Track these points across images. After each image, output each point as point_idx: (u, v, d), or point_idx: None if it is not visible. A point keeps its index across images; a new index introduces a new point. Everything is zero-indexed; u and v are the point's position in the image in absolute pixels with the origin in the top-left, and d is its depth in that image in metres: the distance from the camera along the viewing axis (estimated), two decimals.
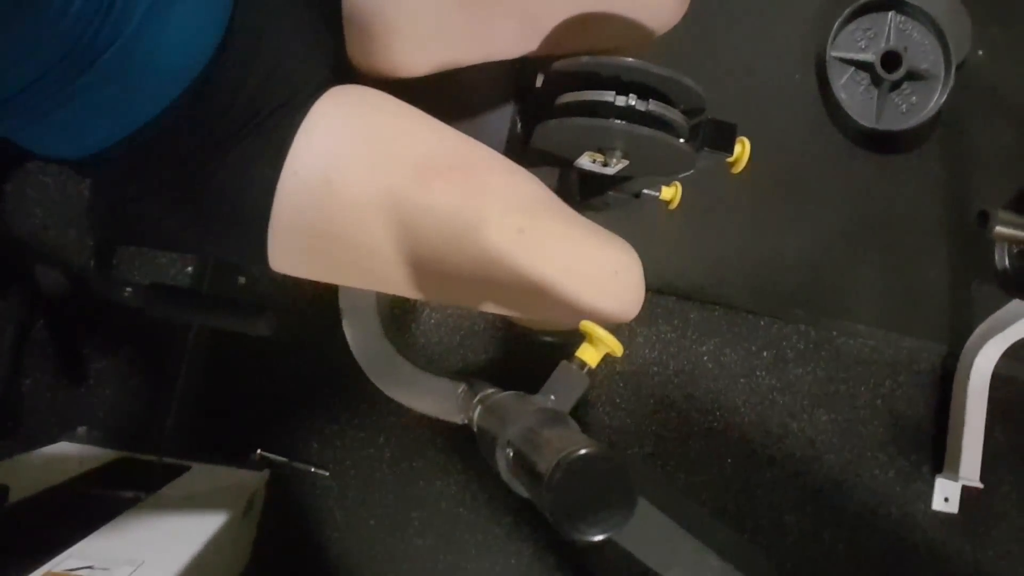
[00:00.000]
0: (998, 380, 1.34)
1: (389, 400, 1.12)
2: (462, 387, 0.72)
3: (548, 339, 1.18)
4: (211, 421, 1.27)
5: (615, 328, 0.57)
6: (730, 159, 0.72)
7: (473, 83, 0.75)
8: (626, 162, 0.71)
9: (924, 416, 1.37)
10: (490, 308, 0.65)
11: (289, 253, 0.61)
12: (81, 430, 1.22)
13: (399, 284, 0.62)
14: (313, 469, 1.27)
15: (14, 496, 0.87)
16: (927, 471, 1.36)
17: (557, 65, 0.66)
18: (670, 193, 0.86)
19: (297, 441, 1.28)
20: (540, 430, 0.44)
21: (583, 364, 0.55)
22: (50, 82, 0.49)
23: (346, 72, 0.70)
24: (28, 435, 1.21)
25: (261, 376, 1.28)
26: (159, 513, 0.90)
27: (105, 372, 1.26)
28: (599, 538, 0.38)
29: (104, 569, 0.66)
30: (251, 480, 1.19)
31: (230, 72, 0.57)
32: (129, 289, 0.82)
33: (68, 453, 1.14)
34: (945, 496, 1.35)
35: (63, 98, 0.51)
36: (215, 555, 0.87)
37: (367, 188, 0.57)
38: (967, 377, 1.33)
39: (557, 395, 0.54)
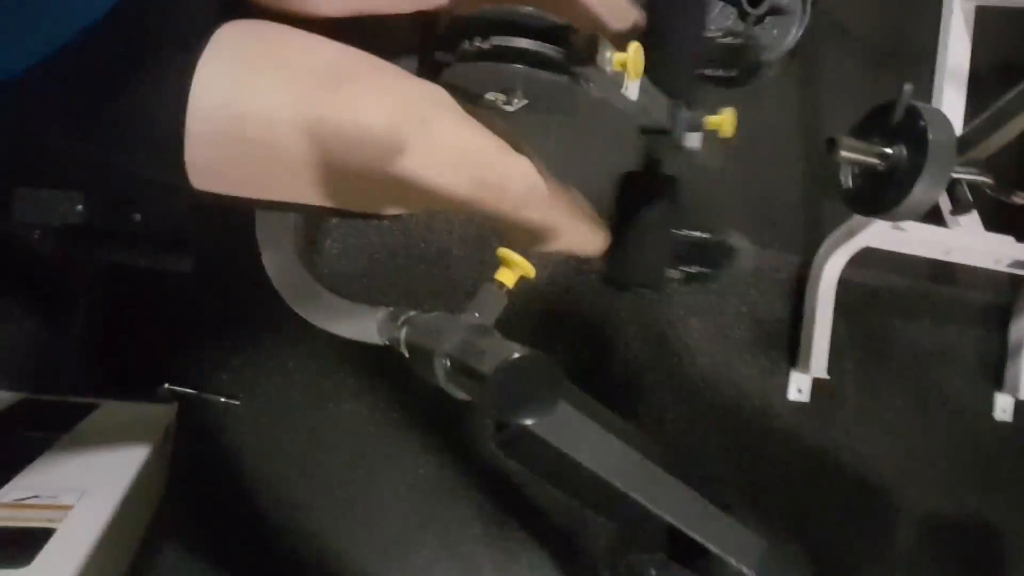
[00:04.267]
0: (843, 285, 1.53)
1: (295, 328, 1.14)
2: (381, 311, 0.78)
3: None
4: (115, 357, 1.26)
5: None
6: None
7: (378, 25, 0.77)
8: (525, 101, 0.77)
9: (782, 319, 1.56)
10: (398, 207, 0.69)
11: (207, 164, 0.62)
12: None
13: (318, 188, 0.63)
14: (223, 399, 1.29)
15: None
16: (784, 367, 1.56)
17: (457, 14, 0.69)
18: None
19: (205, 372, 1.29)
20: (475, 340, 0.52)
21: (501, 285, 0.63)
22: None
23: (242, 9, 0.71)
24: None
25: (162, 310, 1.28)
26: (83, 448, 0.92)
27: None
28: (531, 421, 0.47)
29: (51, 496, 0.69)
30: (162, 413, 1.21)
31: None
32: (38, 232, 0.80)
33: None
34: (799, 388, 1.56)
35: None
36: (147, 483, 0.90)
37: (277, 96, 0.60)
38: (817, 283, 1.52)
39: (481, 312, 0.61)
